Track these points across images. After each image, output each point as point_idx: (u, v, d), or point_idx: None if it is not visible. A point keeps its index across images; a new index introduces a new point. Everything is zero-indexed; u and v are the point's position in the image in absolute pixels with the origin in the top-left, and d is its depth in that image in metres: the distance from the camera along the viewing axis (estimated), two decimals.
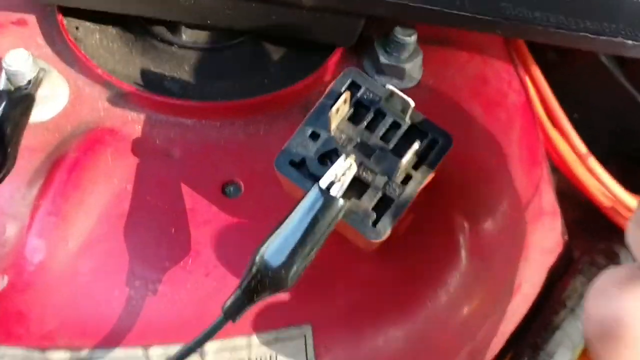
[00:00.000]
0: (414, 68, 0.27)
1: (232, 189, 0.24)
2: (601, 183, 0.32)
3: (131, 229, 0.23)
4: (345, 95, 0.20)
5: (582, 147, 0.32)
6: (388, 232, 0.20)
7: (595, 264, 0.33)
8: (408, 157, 0.20)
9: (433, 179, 0.23)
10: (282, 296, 0.23)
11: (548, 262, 0.33)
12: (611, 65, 0.37)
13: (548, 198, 0.33)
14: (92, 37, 0.27)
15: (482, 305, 0.28)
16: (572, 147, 0.32)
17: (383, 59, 0.27)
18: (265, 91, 0.26)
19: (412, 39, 0.26)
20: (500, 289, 0.28)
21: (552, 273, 0.33)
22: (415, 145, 0.20)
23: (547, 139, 0.34)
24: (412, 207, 0.24)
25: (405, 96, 0.20)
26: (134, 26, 0.27)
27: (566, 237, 0.37)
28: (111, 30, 0.27)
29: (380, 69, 0.27)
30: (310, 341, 0.23)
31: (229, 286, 0.21)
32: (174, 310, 0.22)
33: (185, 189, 0.23)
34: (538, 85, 0.31)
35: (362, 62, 0.28)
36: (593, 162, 0.32)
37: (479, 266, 0.27)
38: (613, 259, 0.34)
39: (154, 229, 0.23)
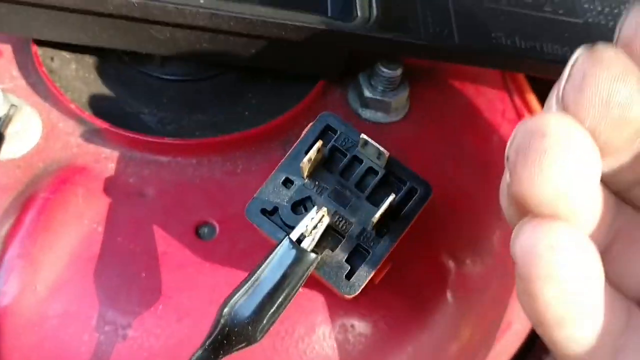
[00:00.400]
0: (399, 101, 0.26)
1: (206, 230, 0.23)
2: None
3: (101, 272, 0.22)
4: (318, 145, 0.19)
5: None
6: (362, 286, 0.20)
7: None
8: (382, 210, 0.19)
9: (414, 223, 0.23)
10: (256, 344, 0.22)
11: None
12: None
13: None
14: (68, 68, 0.26)
15: (468, 345, 0.27)
16: None
17: (367, 93, 0.26)
18: (246, 125, 0.25)
19: (397, 72, 0.25)
20: (487, 329, 0.27)
21: None
22: (389, 198, 0.19)
23: None
24: (394, 251, 0.24)
25: (379, 146, 0.19)
26: (112, 56, 0.26)
27: None
28: (88, 59, 0.26)
29: (365, 103, 0.26)
30: None
31: (201, 332, 0.20)
32: (143, 356, 0.22)
33: (157, 231, 0.23)
34: (534, 114, 0.30)
35: (346, 95, 0.27)
36: None
37: (465, 306, 0.26)
38: None
39: (124, 273, 0.22)
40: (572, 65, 0.15)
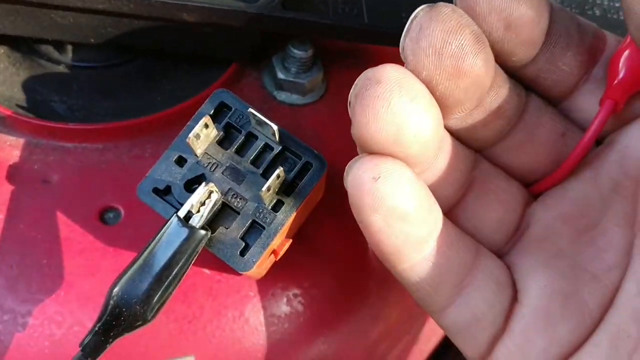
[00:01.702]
0: (314, 83, 0.26)
1: (111, 215, 0.23)
2: None
3: (1, 261, 0.22)
4: (206, 120, 0.19)
5: None
6: (257, 262, 0.19)
7: None
8: (269, 183, 0.19)
9: (315, 201, 0.22)
10: (162, 327, 0.22)
11: None
12: None
13: None
14: None
15: (392, 326, 0.27)
16: None
17: (281, 75, 0.26)
18: (158, 110, 0.25)
19: (308, 53, 0.25)
20: (410, 309, 0.27)
21: None
22: (277, 171, 0.19)
23: None
24: (303, 227, 0.23)
25: (266, 120, 0.19)
26: (22, 45, 0.26)
27: None
28: None
29: (280, 85, 0.26)
30: None
31: None
32: (45, 344, 0.21)
33: (61, 217, 0.22)
34: None
35: (262, 78, 0.27)
36: None
37: (385, 287, 0.26)
38: None
39: (25, 260, 0.22)
40: (412, 20, 0.16)
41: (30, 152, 0.24)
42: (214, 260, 0.23)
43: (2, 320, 0.21)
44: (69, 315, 0.22)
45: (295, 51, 0.25)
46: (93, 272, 0.22)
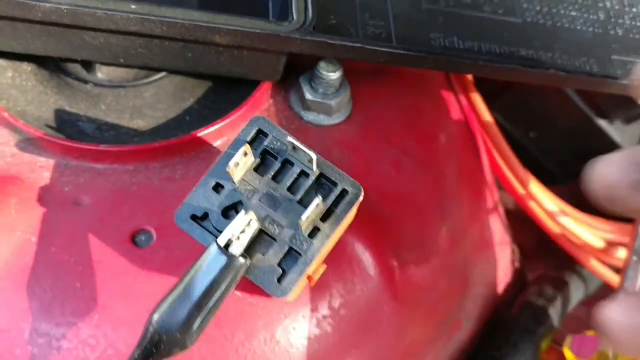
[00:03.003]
0: (341, 103, 0.26)
1: (143, 237, 0.23)
2: (543, 209, 0.31)
3: (34, 284, 0.22)
4: (245, 149, 0.19)
5: (523, 174, 0.31)
6: (293, 289, 0.20)
7: (543, 296, 0.32)
8: (308, 212, 0.19)
9: (347, 226, 0.23)
10: (195, 349, 0.22)
11: (493, 294, 0.32)
12: None
13: (494, 228, 0.33)
14: (4, 76, 0.26)
15: (416, 344, 0.27)
16: (516, 177, 0.31)
17: (308, 95, 0.26)
18: (187, 130, 0.25)
19: (336, 74, 0.25)
20: (436, 328, 0.28)
21: (499, 304, 0.32)
22: (316, 201, 0.19)
23: (496, 166, 0.34)
24: (333, 249, 0.23)
25: (307, 149, 0.19)
26: (49, 63, 0.26)
27: (518, 264, 0.36)
28: (25, 67, 0.26)
29: (307, 105, 0.26)
30: None
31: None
32: None
33: (92, 239, 0.22)
34: (478, 113, 0.30)
35: (289, 98, 0.27)
36: (537, 191, 0.31)
37: (410, 308, 0.26)
38: (562, 288, 0.33)
39: (58, 283, 0.22)
40: None
41: (61, 173, 0.24)
42: (245, 283, 0.23)
43: (37, 344, 0.21)
44: (103, 339, 0.22)
45: (324, 72, 0.25)
46: (126, 295, 0.22)
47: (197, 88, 0.27)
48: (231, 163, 0.19)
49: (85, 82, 0.26)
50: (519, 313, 0.31)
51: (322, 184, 0.21)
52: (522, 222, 0.40)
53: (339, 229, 0.20)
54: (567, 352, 0.30)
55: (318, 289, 0.24)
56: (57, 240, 0.22)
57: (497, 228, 0.33)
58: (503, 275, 0.33)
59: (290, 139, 0.19)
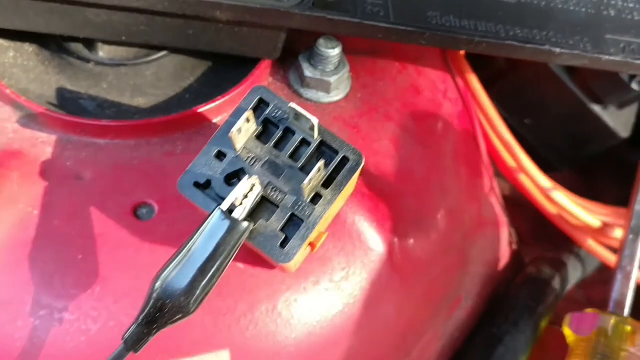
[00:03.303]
0: (340, 80, 0.27)
1: (144, 210, 0.23)
2: (540, 189, 0.32)
3: (36, 256, 0.22)
4: (248, 114, 0.19)
5: (521, 156, 0.32)
6: (296, 254, 0.20)
7: (542, 275, 0.32)
8: (310, 176, 0.19)
9: (348, 195, 0.23)
10: (197, 320, 0.22)
11: (492, 273, 0.32)
12: (559, 72, 0.37)
13: (491, 208, 0.33)
14: (5, 56, 0.26)
15: (416, 321, 0.27)
16: (511, 155, 0.31)
17: (307, 72, 0.26)
18: (187, 107, 0.25)
19: (335, 51, 0.26)
20: (434, 304, 0.28)
21: (497, 283, 0.33)
22: (318, 165, 0.19)
23: (492, 148, 0.34)
24: (334, 222, 0.24)
25: (308, 114, 0.19)
26: (51, 43, 0.26)
27: (515, 246, 0.36)
28: (27, 47, 0.26)
29: (306, 83, 0.26)
30: None
31: None
32: (81, 339, 0.21)
33: (94, 212, 0.23)
34: (475, 94, 0.31)
35: (288, 76, 0.27)
36: (533, 169, 0.32)
37: (410, 283, 0.26)
38: (559, 268, 0.33)
39: (60, 256, 0.22)
40: None
41: (63, 148, 0.24)
42: (247, 255, 0.23)
43: (39, 316, 0.21)
44: (105, 311, 0.22)
45: (323, 49, 0.25)
46: (128, 267, 0.22)
47: (197, 67, 0.27)
48: (234, 128, 0.19)
49: (87, 60, 0.26)
50: (518, 291, 0.31)
51: (323, 151, 0.21)
52: (518, 208, 0.41)
53: (341, 196, 0.20)
54: (566, 330, 0.30)
55: (319, 262, 0.24)
56: (59, 213, 0.22)
57: (495, 208, 0.33)
58: (501, 255, 0.33)
59: (291, 104, 0.19)
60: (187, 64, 0.27)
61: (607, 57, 0.27)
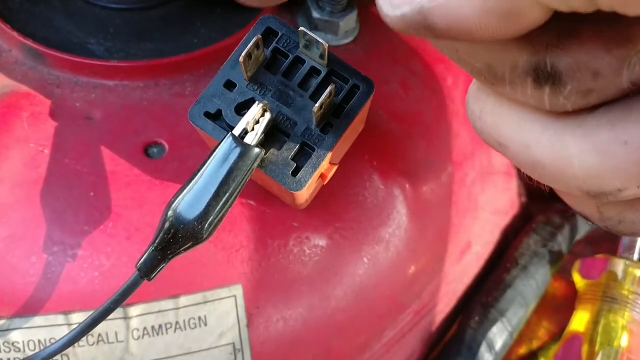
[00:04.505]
0: (348, 23, 0.26)
1: (155, 150, 0.23)
2: None
3: (48, 194, 0.22)
4: (257, 39, 0.19)
5: None
6: (309, 182, 0.20)
7: (550, 223, 0.32)
8: (321, 100, 0.19)
9: (359, 128, 0.23)
10: (211, 256, 0.22)
11: (501, 222, 0.32)
12: None
13: (501, 158, 0.33)
14: (13, 1, 0.26)
15: (426, 263, 0.27)
16: None
17: (316, 14, 0.26)
18: (194, 50, 0.25)
19: None
20: (445, 248, 0.28)
21: (507, 233, 0.33)
22: (329, 89, 0.19)
23: None
24: (345, 163, 0.24)
25: (318, 38, 0.19)
26: None
27: (523, 198, 0.36)
28: None
29: (314, 25, 0.26)
30: (240, 301, 0.22)
31: None
32: (94, 275, 0.22)
33: (105, 152, 0.23)
34: None
35: (296, 19, 0.27)
36: None
37: (420, 224, 0.26)
38: (569, 218, 0.33)
39: (72, 193, 0.22)
40: None
41: (72, 89, 0.24)
42: (260, 192, 0.23)
43: (52, 252, 0.21)
44: (117, 246, 0.22)
45: None
46: (140, 204, 0.22)
47: (204, 13, 0.27)
48: (243, 53, 0.19)
49: (94, 5, 0.26)
50: (528, 238, 0.31)
51: (334, 80, 0.21)
52: None
53: (352, 126, 0.20)
54: (576, 276, 0.30)
55: (330, 200, 0.24)
56: (70, 152, 0.23)
57: (503, 158, 0.33)
58: (509, 205, 0.33)
59: (301, 28, 0.19)
60: (194, 10, 0.27)
61: None
